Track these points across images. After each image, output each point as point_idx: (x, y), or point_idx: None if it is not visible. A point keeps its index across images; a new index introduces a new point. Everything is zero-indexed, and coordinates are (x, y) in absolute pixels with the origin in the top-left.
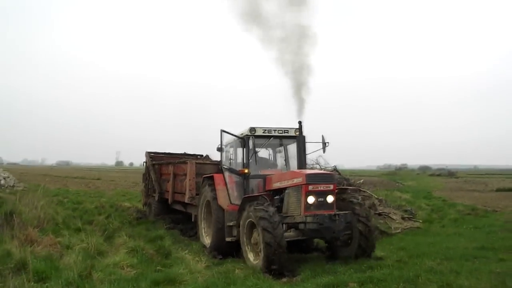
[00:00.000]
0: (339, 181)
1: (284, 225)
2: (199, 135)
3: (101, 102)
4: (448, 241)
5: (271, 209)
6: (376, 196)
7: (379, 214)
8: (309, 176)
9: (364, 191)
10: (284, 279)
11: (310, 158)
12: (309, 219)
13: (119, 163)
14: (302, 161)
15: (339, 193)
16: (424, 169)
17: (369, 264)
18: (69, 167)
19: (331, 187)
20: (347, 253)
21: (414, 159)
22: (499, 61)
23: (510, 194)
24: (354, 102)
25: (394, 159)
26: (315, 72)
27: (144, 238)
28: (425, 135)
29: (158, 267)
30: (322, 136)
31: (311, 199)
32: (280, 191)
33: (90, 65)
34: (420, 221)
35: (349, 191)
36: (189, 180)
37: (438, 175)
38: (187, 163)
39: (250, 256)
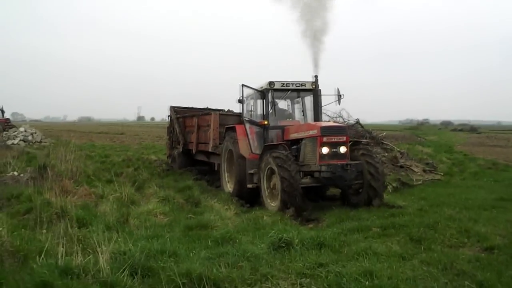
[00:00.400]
0: (361, 134)
1: (301, 173)
2: (217, 91)
3: (121, 59)
4: (467, 192)
5: (290, 157)
6: (398, 149)
7: (401, 167)
8: (323, 128)
9: (386, 144)
10: (310, 225)
11: (333, 111)
12: (323, 168)
13: (140, 118)
14: (318, 114)
15: (353, 145)
16: (446, 124)
17: (391, 212)
18: (91, 122)
19: (344, 138)
20: (358, 200)
21: (436, 114)
22: None
23: None
24: (379, 55)
25: (417, 113)
26: (334, 27)
27: (173, 188)
28: (448, 88)
29: (189, 215)
30: (337, 89)
31: (325, 150)
32: (297, 141)
33: (108, 23)
34: (441, 173)
35: (362, 144)
36: (213, 130)
37: (460, 130)
38: (211, 114)
39: (269, 200)
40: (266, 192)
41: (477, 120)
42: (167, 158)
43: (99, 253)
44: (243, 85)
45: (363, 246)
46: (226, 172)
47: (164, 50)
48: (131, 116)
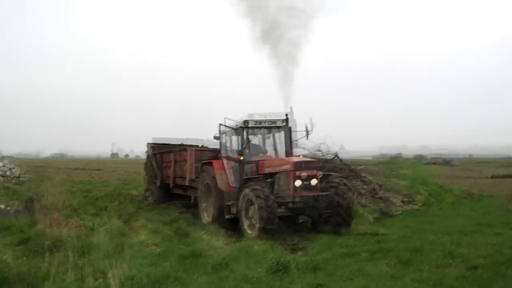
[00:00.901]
0: (340, 167)
1: (276, 203)
2: (195, 118)
3: (94, 96)
4: (446, 220)
5: (266, 189)
6: (376, 182)
7: (380, 198)
8: (296, 163)
9: (364, 177)
10: (300, 252)
11: (312, 145)
12: (297, 199)
13: (114, 155)
14: (288, 150)
15: (323, 178)
16: (419, 158)
17: (376, 239)
18: (64, 159)
19: (315, 172)
20: (328, 228)
21: (412, 141)
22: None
23: (505, 180)
24: (354, 81)
25: (392, 140)
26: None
27: (160, 221)
28: (424, 115)
29: (180, 245)
30: (306, 126)
31: (298, 183)
32: (271, 175)
33: (80, 60)
34: (419, 204)
35: (331, 176)
36: (189, 165)
37: (434, 163)
38: (187, 150)
39: (247, 228)
40: (245, 221)
41: (449, 154)
42: (145, 192)
43: (110, 278)
44: (220, 124)
45: (355, 268)
46: (203, 204)
47: (137, 88)
48: (105, 153)
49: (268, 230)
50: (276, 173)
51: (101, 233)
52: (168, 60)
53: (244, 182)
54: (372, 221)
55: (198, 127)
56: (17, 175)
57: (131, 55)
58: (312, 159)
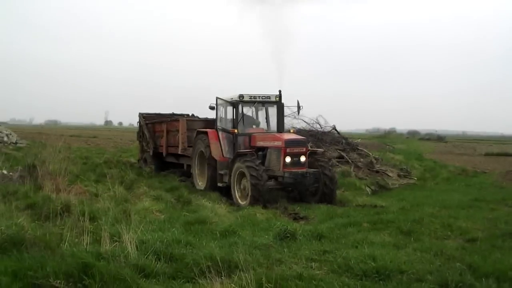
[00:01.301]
0: (337, 140)
1: (267, 176)
2: (184, 95)
3: (87, 61)
4: (443, 195)
5: (258, 162)
6: (373, 155)
7: (377, 172)
8: (287, 141)
9: (361, 150)
10: (302, 221)
11: (310, 117)
12: (286, 175)
13: (108, 123)
14: (280, 125)
15: (311, 154)
16: (413, 134)
17: (375, 210)
18: (58, 126)
19: (304, 149)
20: (313, 200)
21: (402, 124)
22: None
23: (498, 158)
24: (348, 66)
25: (382, 123)
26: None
27: (162, 188)
28: (414, 100)
29: (184, 212)
30: (297, 101)
31: (288, 159)
32: (263, 148)
33: (77, 21)
34: (415, 178)
35: (318, 153)
36: (181, 134)
37: (428, 139)
38: (179, 120)
39: (239, 197)
40: (237, 191)
41: (443, 130)
42: (138, 161)
43: (127, 241)
44: (217, 97)
45: (359, 237)
46: (196, 170)
47: (133, 53)
48: (98, 120)
49: (259, 201)
50: (268, 147)
51: (106, 199)
52: (166, 35)
53: (237, 155)
54: (369, 193)
55: (187, 106)
56: (14, 141)
57: (128, 21)
58: (302, 137)
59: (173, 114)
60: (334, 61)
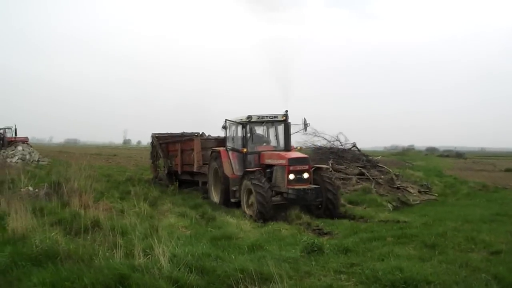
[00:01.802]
0: (358, 157)
1: (273, 192)
2: (196, 114)
3: (106, 82)
4: (464, 210)
5: (264, 181)
6: (393, 172)
7: (398, 188)
8: (290, 159)
9: (381, 167)
10: (327, 237)
11: (331, 135)
12: (290, 191)
13: (126, 142)
14: (288, 141)
15: (316, 170)
16: (431, 150)
17: (399, 226)
18: (77, 145)
19: (307, 167)
20: (319, 213)
21: (420, 141)
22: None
23: None
24: (362, 85)
25: (400, 141)
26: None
27: (185, 205)
28: (431, 116)
29: (209, 228)
30: (304, 119)
31: (292, 176)
32: (270, 165)
33: (94, 44)
34: (436, 194)
35: (323, 170)
36: (196, 153)
37: (447, 156)
38: (193, 140)
39: (247, 211)
40: (245, 206)
41: (461, 146)
42: (152, 179)
43: (159, 254)
44: (226, 119)
45: (384, 250)
46: (212, 186)
47: (151, 75)
48: (117, 139)
49: (265, 216)
50: (274, 165)
51: (132, 216)
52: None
53: (245, 173)
54: (391, 209)
55: (195, 124)
56: (36, 159)
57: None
58: (305, 155)
59: (183, 134)
60: (350, 78)
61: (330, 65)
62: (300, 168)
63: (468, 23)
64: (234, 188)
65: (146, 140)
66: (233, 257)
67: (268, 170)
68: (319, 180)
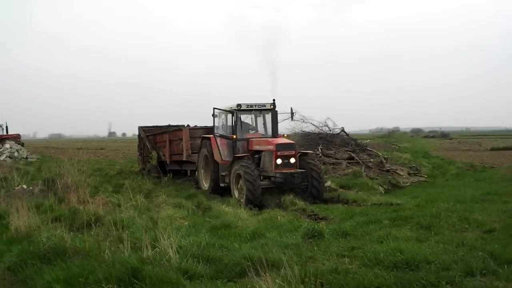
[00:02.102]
0: (346, 141)
1: (261, 176)
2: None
3: (88, 75)
4: (455, 190)
5: (252, 166)
6: (382, 155)
7: (387, 171)
8: (278, 145)
9: (370, 150)
10: (323, 222)
11: (318, 120)
12: (277, 175)
13: (111, 134)
14: (275, 130)
15: (302, 156)
16: (417, 132)
17: (392, 208)
18: (62, 139)
19: (293, 152)
20: (305, 197)
21: (404, 122)
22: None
23: (504, 152)
24: (345, 64)
25: (385, 123)
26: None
27: (180, 196)
28: (414, 97)
29: (206, 218)
30: (291, 108)
31: (279, 161)
32: (259, 151)
33: (80, 33)
34: (425, 176)
35: (308, 155)
36: (185, 142)
37: (432, 137)
38: (181, 130)
39: (236, 195)
40: (235, 190)
41: (446, 126)
42: (140, 170)
43: (167, 246)
44: (214, 108)
45: (382, 233)
46: (202, 173)
47: (128, 71)
48: (102, 132)
49: (254, 200)
50: (262, 151)
51: (129, 209)
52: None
53: (235, 159)
54: (382, 192)
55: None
56: (24, 156)
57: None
58: (291, 141)
59: (169, 126)
60: (334, 60)
61: (313, 47)
62: (287, 153)
63: None
64: (224, 173)
65: (131, 132)
66: (237, 245)
67: (256, 156)
68: (304, 165)
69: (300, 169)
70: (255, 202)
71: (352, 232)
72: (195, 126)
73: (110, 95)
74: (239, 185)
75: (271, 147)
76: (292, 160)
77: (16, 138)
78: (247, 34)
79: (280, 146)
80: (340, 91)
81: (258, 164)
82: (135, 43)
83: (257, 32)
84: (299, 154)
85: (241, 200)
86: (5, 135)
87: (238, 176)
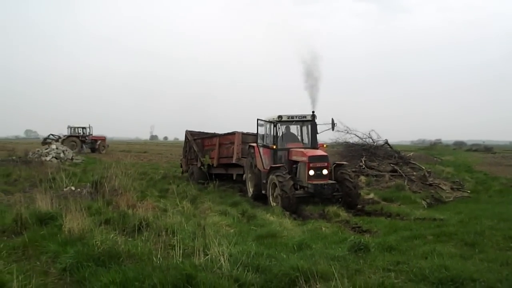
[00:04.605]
0: (390, 154)
1: (298, 185)
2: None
3: (131, 76)
4: (499, 207)
5: (287, 176)
6: (425, 168)
7: (430, 185)
8: (310, 157)
9: (414, 164)
10: (367, 235)
11: (363, 132)
12: (309, 186)
13: (153, 137)
14: (314, 140)
15: (337, 166)
16: (459, 144)
17: (436, 224)
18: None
19: (326, 164)
20: (338, 206)
21: (447, 135)
22: None
23: None
24: (386, 74)
25: (427, 134)
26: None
27: (224, 203)
28: (459, 111)
29: (252, 226)
30: (332, 119)
31: (311, 172)
32: (297, 161)
33: (120, 40)
34: (469, 191)
35: (343, 166)
36: (237, 146)
37: (475, 150)
38: (234, 133)
39: (273, 203)
40: (271, 198)
41: (489, 140)
42: (182, 173)
43: (219, 254)
44: (258, 119)
45: (426, 249)
46: (248, 180)
47: (175, 69)
48: (144, 135)
49: (287, 207)
50: (298, 161)
51: (175, 214)
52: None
53: (271, 169)
54: (425, 206)
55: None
56: (70, 157)
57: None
58: (324, 153)
59: (214, 134)
60: (374, 71)
61: (354, 56)
62: (319, 165)
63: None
64: (264, 181)
65: (172, 136)
66: (284, 255)
67: (294, 165)
68: (338, 176)
69: (336, 180)
70: (290, 210)
71: (397, 246)
72: (248, 132)
73: (153, 98)
74: (275, 194)
75: (305, 158)
76: (325, 171)
77: (102, 139)
78: (289, 44)
79: (313, 159)
80: (383, 100)
81: (295, 174)
82: (192, 52)
83: (299, 41)
84: (334, 165)
85: (276, 208)
86: (97, 137)
87: (274, 185)
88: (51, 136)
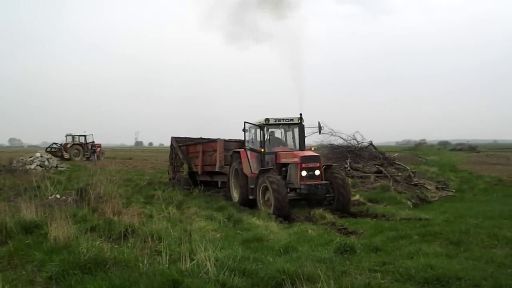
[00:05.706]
0: (374, 155)
1: (288, 188)
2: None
3: (117, 82)
4: (483, 206)
5: (279, 178)
6: (410, 169)
7: (415, 185)
8: (303, 157)
9: (398, 164)
10: (353, 236)
11: (347, 134)
12: (302, 187)
13: (138, 143)
14: (302, 142)
15: (327, 168)
16: (444, 144)
17: (421, 223)
18: None
19: (318, 164)
20: (331, 208)
21: (431, 135)
22: None
23: None
24: (375, 77)
25: (412, 135)
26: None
27: (210, 208)
28: (444, 109)
29: (238, 231)
30: (319, 122)
31: (304, 173)
32: (286, 164)
33: (94, 46)
34: (454, 190)
35: (333, 167)
36: (219, 154)
37: (460, 149)
38: (216, 141)
39: (263, 208)
40: (261, 202)
41: (473, 139)
42: (169, 179)
43: (204, 259)
44: (245, 122)
45: (412, 248)
46: (232, 186)
47: (161, 75)
48: (129, 141)
49: (281, 210)
50: (288, 163)
51: (161, 220)
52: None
53: (261, 172)
54: (411, 207)
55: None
56: (54, 165)
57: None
58: (316, 154)
59: (201, 138)
60: (355, 73)
61: (339, 59)
62: (311, 166)
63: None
64: (252, 186)
65: (158, 142)
66: (271, 259)
67: (284, 168)
68: (330, 177)
69: (325, 181)
70: (283, 213)
71: (383, 247)
72: (230, 139)
73: (138, 104)
74: (265, 197)
75: (296, 159)
76: (317, 172)
77: (98, 146)
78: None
79: (305, 159)
80: (369, 103)
81: (285, 177)
82: (180, 57)
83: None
84: (323, 167)
85: (269, 211)
86: (97, 143)
87: (265, 189)
88: (54, 145)
